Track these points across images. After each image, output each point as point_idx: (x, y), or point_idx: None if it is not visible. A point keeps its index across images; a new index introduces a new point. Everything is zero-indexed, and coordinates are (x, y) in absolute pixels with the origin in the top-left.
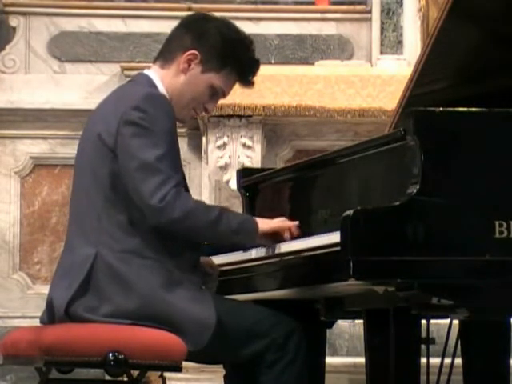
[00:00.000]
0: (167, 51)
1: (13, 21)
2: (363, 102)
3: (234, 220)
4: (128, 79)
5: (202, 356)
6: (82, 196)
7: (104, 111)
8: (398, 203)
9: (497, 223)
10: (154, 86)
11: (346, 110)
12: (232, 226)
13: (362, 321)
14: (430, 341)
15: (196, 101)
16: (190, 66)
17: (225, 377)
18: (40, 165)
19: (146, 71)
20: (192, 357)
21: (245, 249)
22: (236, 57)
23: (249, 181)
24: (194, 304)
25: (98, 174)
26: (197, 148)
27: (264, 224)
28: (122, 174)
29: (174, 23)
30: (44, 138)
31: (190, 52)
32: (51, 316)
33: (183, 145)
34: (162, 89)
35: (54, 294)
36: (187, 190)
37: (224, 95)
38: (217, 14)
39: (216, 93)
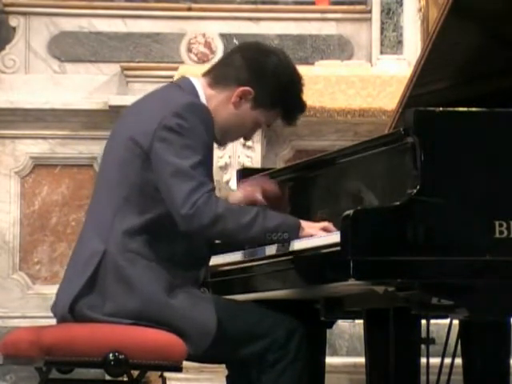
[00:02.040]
0: (221, 75)
1: (13, 21)
2: (363, 102)
3: (273, 219)
4: (129, 78)
5: (202, 356)
6: (103, 192)
7: (141, 112)
8: (397, 203)
9: (497, 223)
10: (197, 96)
11: (346, 110)
12: (268, 224)
13: (361, 321)
14: (430, 341)
15: (239, 132)
16: (241, 99)
17: (227, 377)
18: (40, 165)
19: (192, 79)
20: (193, 357)
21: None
22: (287, 101)
23: None
24: (195, 309)
25: (126, 173)
26: None
27: (309, 228)
28: (155, 179)
29: (174, 23)
30: (44, 137)
31: (246, 89)
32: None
33: None
34: (204, 99)
35: (61, 291)
36: None
37: (267, 126)
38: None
39: (259, 126)
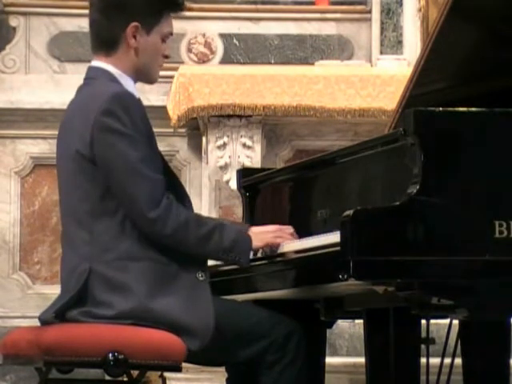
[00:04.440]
0: (104, 40)
1: (13, 21)
2: (363, 102)
3: (227, 237)
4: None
5: (201, 358)
6: (69, 213)
7: (75, 122)
8: (397, 203)
9: (497, 223)
10: (111, 76)
11: (346, 109)
12: (224, 243)
13: (361, 321)
14: (430, 341)
15: (156, 57)
16: (136, 37)
17: (227, 380)
18: (40, 165)
19: (96, 64)
20: (191, 358)
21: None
22: (164, 2)
23: (249, 181)
24: (192, 307)
25: (83, 187)
26: (197, 148)
27: (258, 241)
28: (108, 182)
29: (174, 23)
30: (44, 138)
31: (131, 28)
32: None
33: (183, 145)
34: (119, 74)
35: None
36: (180, 185)
37: (172, 34)
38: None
39: (166, 38)
